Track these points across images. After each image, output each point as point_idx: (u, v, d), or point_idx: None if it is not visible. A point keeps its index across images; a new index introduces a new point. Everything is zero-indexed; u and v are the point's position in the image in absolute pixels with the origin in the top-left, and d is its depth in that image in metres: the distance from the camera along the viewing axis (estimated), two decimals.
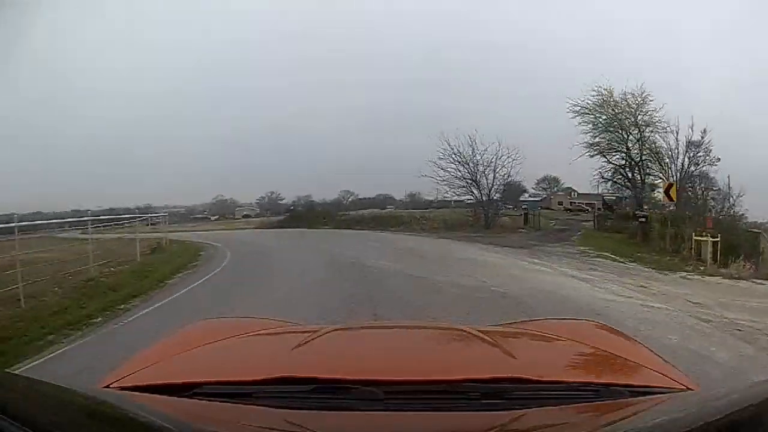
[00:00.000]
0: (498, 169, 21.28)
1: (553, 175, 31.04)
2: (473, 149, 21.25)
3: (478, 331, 1.25)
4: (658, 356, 1.19)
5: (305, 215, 28.89)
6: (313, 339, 1.15)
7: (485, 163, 21.23)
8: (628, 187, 20.28)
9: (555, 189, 31.70)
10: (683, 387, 0.96)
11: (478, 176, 21.39)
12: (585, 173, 21.84)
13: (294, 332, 1.38)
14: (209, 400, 0.83)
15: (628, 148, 19.03)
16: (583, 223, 23.74)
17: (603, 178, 20.77)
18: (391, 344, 1.25)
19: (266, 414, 0.79)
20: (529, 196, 22.49)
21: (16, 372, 3.42)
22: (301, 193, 35.98)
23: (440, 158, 21.23)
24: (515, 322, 1.72)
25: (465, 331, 1.28)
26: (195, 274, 9.53)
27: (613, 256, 11.64)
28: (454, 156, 21.27)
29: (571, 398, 0.85)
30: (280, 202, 39.28)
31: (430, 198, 26.16)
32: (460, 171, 21.45)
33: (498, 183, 21.67)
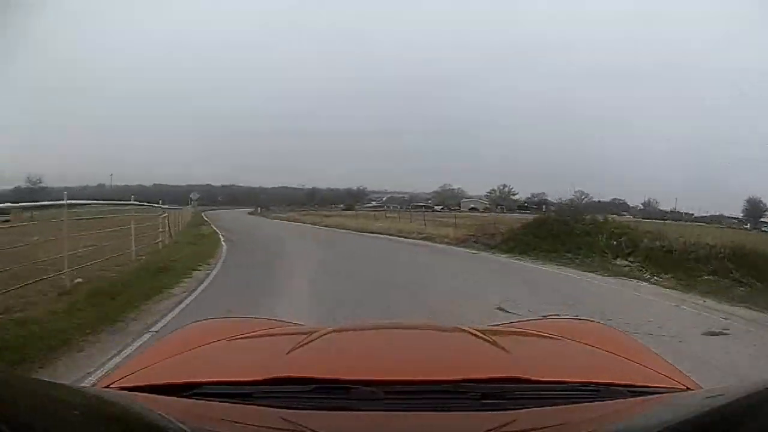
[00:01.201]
0: None
1: None
2: None
3: (478, 331, 1.24)
4: (658, 356, 1.19)
5: (555, 228, 12.37)
6: (312, 339, 1.15)
7: None
8: None
9: None
10: (683, 387, 0.95)
11: None
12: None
13: (294, 332, 1.38)
14: (209, 400, 0.83)
15: None
16: None
17: None
18: (391, 344, 1.24)
19: (266, 414, 0.79)
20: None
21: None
22: (535, 190, 32.72)
23: None
24: (515, 322, 1.70)
25: (465, 330, 1.27)
26: None
27: None
28: None
29: (571, 398, 0.84)
30: (513, 197, 36.38)
31: (666, 209, 18.52)
32: None
33: None
